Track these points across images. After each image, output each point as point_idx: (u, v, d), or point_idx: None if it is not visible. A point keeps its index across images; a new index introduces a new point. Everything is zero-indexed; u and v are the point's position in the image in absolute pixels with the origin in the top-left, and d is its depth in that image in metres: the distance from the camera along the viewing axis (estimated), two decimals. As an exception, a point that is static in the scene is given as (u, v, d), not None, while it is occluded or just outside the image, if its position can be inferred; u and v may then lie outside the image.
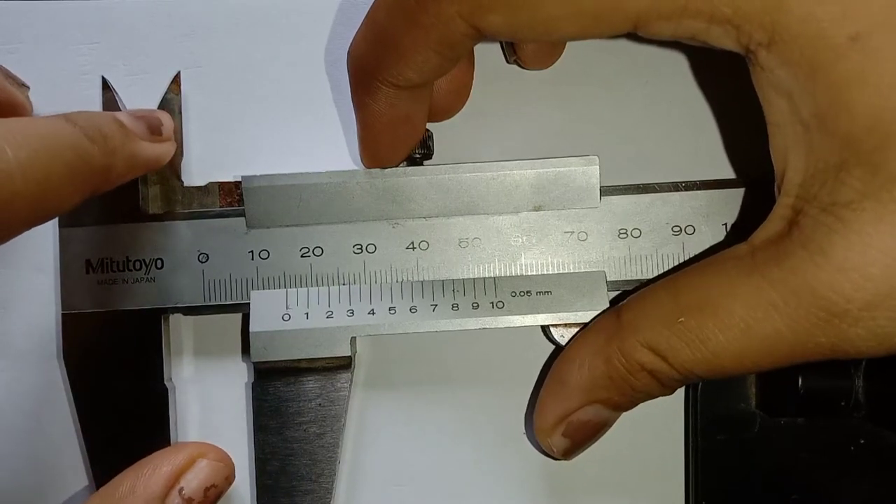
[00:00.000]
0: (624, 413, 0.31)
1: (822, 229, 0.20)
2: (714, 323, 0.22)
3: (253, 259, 0.28)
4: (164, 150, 0.27)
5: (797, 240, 0.21)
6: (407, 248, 0.29)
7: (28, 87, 0.29)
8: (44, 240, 0.30)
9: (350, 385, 0.28)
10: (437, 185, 0.28)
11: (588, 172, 0.28)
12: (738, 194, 0.28)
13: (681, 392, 0.30)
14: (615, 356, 0.24)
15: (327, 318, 0.28)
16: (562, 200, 0.29)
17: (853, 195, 0.20)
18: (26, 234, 0.30)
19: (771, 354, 0.22)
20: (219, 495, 0.26)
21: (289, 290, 0.28)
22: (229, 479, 0.27)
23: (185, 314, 0.30)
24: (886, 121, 0.20)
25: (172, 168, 0.29)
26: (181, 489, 0.25)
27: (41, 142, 0.21)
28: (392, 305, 0.28)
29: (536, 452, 0.30)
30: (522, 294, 0.28)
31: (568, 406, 0.26)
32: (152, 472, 0.25)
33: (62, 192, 0.22)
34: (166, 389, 0.28)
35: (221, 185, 0.29)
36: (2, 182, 0.20)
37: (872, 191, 0.20)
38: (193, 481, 0.25)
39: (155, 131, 0.27)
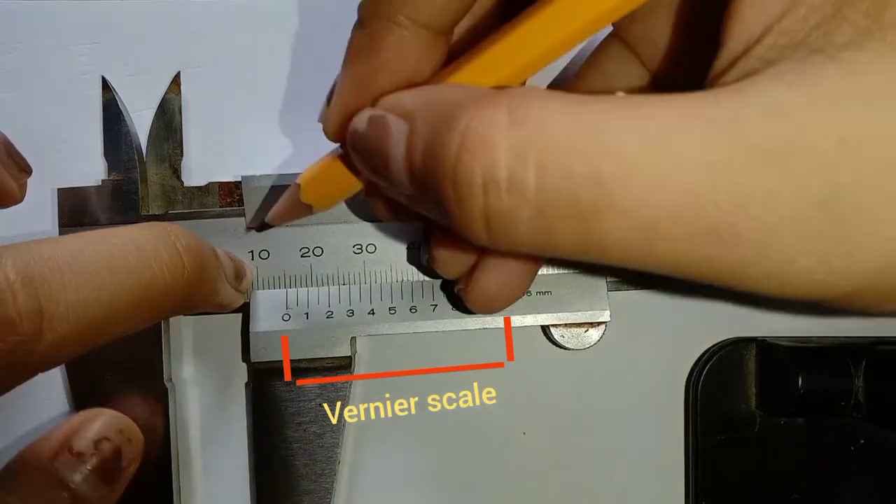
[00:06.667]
0: (623, 413, 0.31)
1: (805, 64, 0.16)
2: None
3: (253, 259, 0.28)
4: (238, 298, 0.27)
5: (771, 73, 0.16)
6: (407, 248, 0.29)
7: (29, 172, 0.29)
8: (44, 240, 0.30)
9: (350, 385, 0.28)
10: (437, 185, 0.28)
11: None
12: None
13: (681, 392, 0.30)
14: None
15: (327, 318, 0.28)
16: (562, 200, 0.29)
17: (853, 34, 0.16)
18: (26, 233, 0.30)
19: (685, 181, 0.15)
20: (115, 450, 0.25)
21: (289, 290, 0.28)
22: (125, 432, 0.26)
23: (185, 314, 0.30)
24: None
25: (172, 168, 0.29)
26: (70, 447, 0.24)
27: (110, 276, 0.20)
28: (392, 305, 0.28)
29: (536, 452, 0.30)
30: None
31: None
32: (43, 440, 0.25)
33: (123, 326, 0.21)
34: (166, 389, 0.28)
35: (221, 185, 0.29)
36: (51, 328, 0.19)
37: (878, 27, 0.15)
38: (83, 437, 0.25)
39: (238, 277, 0.27)
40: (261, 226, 0.28)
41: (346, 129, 0.20)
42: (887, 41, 0.15)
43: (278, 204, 0.25)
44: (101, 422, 0.26)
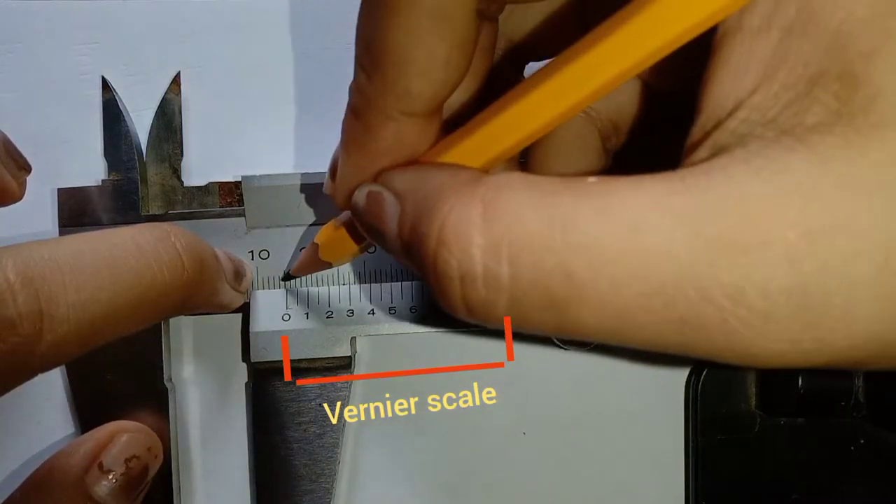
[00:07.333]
0: (623, 413, 0.31)
1: (774, 147, 0.15)
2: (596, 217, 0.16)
3: (253, 259, 0.28)
4: (238, 298, 0.27)
5: (740, 155, 0.16)
6: (407, 248, 0.29)
7: (28, 171, 0.29)
8: (44, 240, 0.30)
9: (350, 385, 0.28)
10: (437, 185, 0.28)
11: (588, 172, 0.28)
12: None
13: (681, 392, 0.30)
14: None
15: (327, 318, 0.28)
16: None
17: (823, 116, 0.15)
18: (26, 233, 0.30)
19: (654, 276, 0.15)
20: (144, 467, 0.26)
21: (289, 290, 0.28)
22: (152, 450, 0.27)
23: (185, 314, 0.30)
24: (884, 13, 0.15)
25: (172, 168, 0.29)
26: (100, 463, 0.25)
27: (111, 278, 0.20)
28: (392, 305, 0.28)
29: (536, 452, 0.30)
30: (522, 294, 0.28)
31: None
32: (71, 453, 0.25)
33: (123, 327, 0.21)
34: (166, 389, 0.28)
35: (221, 185, 0.29)
36: (52, 327, 0.19)
37: (847, 111, 0.15)
38: (113, 454, 0.26)
39: (238, 278, 0.27)
40: (286, 276, 0.29)
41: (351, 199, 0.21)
42: (855, 126, 0.15)
43: (300, 259, 0.26)
44: (130, 438, 0.26)
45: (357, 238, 0.23)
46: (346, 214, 0.23)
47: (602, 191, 0.16)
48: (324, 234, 0.24)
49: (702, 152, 0.17)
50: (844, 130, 0.15)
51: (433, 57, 0.19)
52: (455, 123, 0.20)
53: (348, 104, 0.21)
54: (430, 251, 0.17)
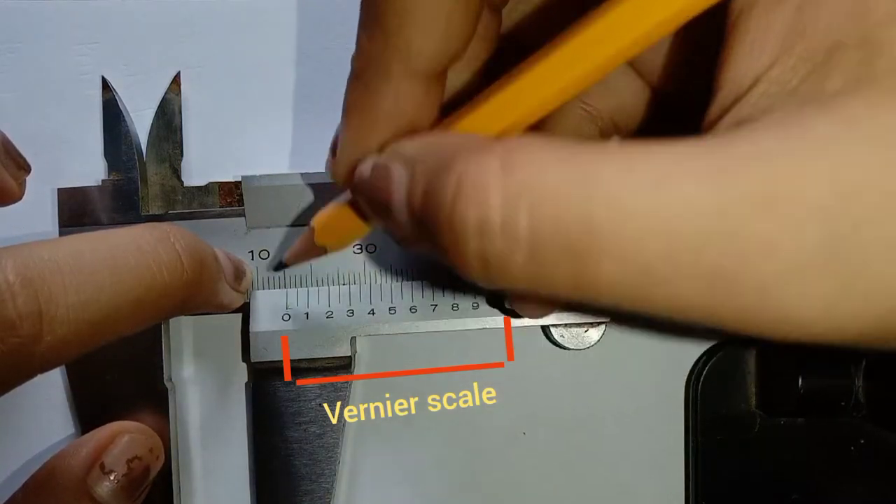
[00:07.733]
0: (623, 413, 0.31)
1: (799, 114, 0.15)
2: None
3: (253, 259, 0.28)
4: (238, 298, 0.27)
5: (763, 123, 0.16)
6: (407, 248, 0.29)
7: (28, 171, 0.29)
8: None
9: (350, 385, 0.28)
10: (437, 185, 0.28)
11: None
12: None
13: (681, 392, 0.30)
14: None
15: (327, 318, 0.28)
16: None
17: (845, 83, 0.15)
18: (26, 233, 0.30)
19: (681, 228, 0.15)
20: (145, 468, 0.26)
21: (289, 290, 0.28)
22: (154, 451, 0.27)
23: (185, 314, 0.30)
24: None
25: (172, 168, 0.29)
26: (102, 464, 0.25)
27: (110, 277, 0.20)
28: (392, 305, 0.28)
29: (536, 452, 0.30)
30: (522, 294, 0.28)
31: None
32: (73, 453, 0.25)
33: (123, 327, 0.21)
34: (166, 389, 0.28)
35: (221, 185, 0.29)
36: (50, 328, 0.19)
37: (868, 76, 0.15)
38: (114, 455, 0.26)
39: (238, 278, 0.27)
40: (278, 265, 0.28)
41: (353, 175, 0.21)
42: (880, 89, 0.15)
43: (295, 245, 0.26)
44: (131, 438, 0.26)
45: (357, 219, 0.23)
46: (344, 196, 0.23)
47: (625, 151, 0.15)
48: (321, 216, 0.24)
49: (723, 124, 0.16)
50: (868, 94, 0.15)
51: (434, 9, 0.18)
52: (457, 107, 0.20)
53: (350, 73, 0.20)
54: (446, 206, 0.16)
